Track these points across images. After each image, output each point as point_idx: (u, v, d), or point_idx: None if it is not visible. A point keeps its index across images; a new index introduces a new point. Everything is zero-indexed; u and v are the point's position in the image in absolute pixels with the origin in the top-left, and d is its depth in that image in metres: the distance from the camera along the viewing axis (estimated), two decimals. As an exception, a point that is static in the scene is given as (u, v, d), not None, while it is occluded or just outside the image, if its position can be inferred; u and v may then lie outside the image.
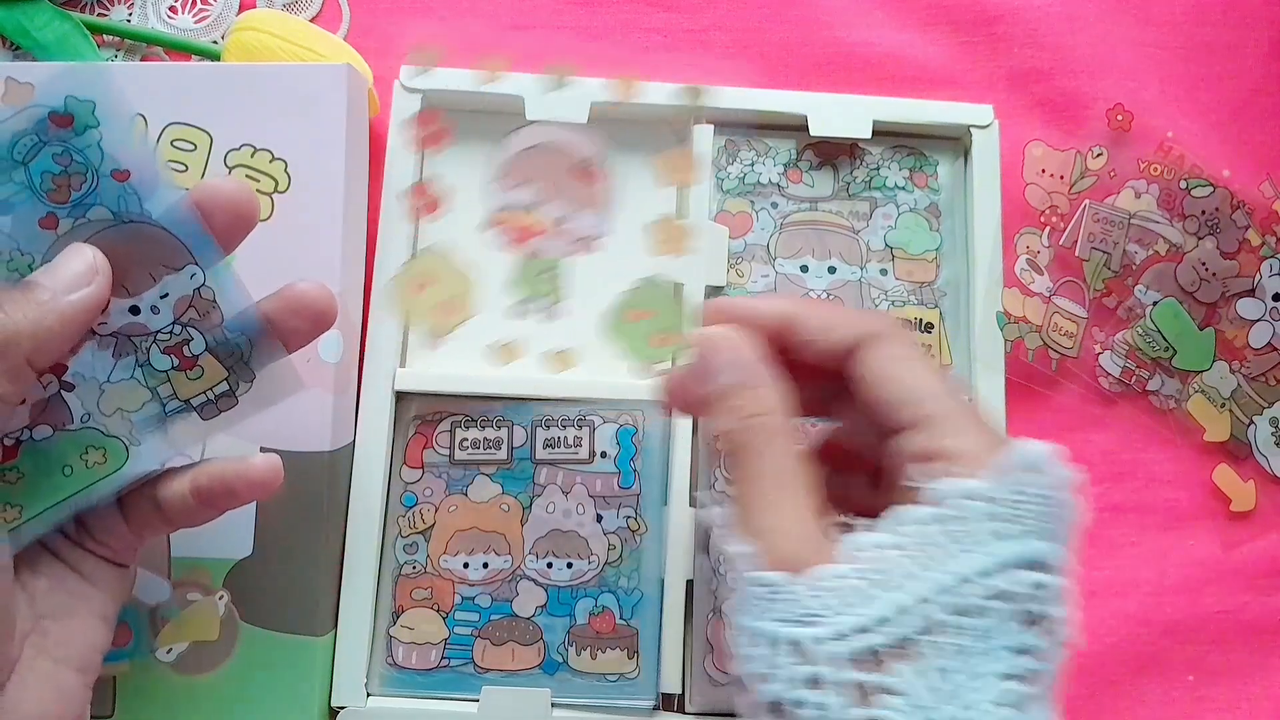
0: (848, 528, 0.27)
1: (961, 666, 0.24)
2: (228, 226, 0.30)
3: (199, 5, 0.48)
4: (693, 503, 0.41)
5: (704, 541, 0.41)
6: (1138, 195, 0.45)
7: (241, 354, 0.30)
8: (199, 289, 0.29)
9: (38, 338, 0.27)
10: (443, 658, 0.40)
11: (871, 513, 0.27)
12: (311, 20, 0.47)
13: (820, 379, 0.31)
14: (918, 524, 0.26)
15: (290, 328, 0.31)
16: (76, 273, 0.27)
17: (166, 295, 0.29)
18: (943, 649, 0.24)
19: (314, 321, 0.31)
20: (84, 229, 0.28)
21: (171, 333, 0.30)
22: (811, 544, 0.26)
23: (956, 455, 0.26)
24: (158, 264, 0.29)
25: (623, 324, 0.34)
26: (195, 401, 0.30)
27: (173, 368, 0.30)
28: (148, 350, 0.30)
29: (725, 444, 0.29)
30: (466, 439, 0.42)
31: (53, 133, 0.28)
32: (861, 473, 0.32)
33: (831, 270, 0.44)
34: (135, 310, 0.29)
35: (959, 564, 0.25)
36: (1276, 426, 0.44)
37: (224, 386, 0.30)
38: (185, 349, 0.30)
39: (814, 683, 0.25)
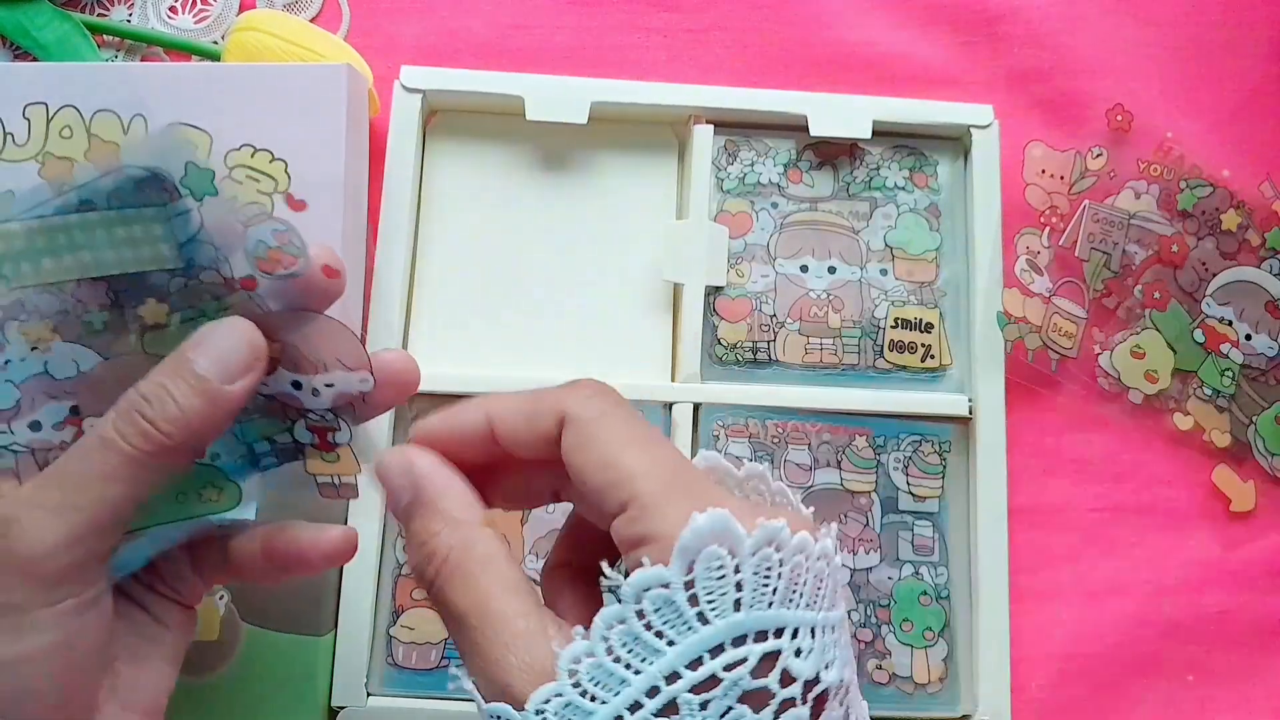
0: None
1: None
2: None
3: (199, 5, 0.48)
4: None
5: None
6: (1137, 195, 0.45)
7: (341, 425, 0.30)
8: (364, 394, 0.29)
9: (192, 428, 0.26)
10: (443, 657, 0.40)
11: None
12: (311, 20, 0.47)
13: (546, 468, 0.29)
14: (619, 624, 0.24)
15: (376, 398, 0.29)
16: (243, 359, 0.26)
17: (331, 385, 0.28)
18: None
19: (399, 391, 0.30)
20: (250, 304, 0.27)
21: (324, 417, 0.29)
22: (529, 668, 0.24)
23: (663, 538, 0.24)
24: (332, 355, 0.28)
25: None
26: (320, 479, 0.30)
27: (312, 444, 0.29)
28: (293, 421, 0.29)
29: (417, 574, 0.27)
30: (466, 439, 0.42)
31: (147, 195, 0.26)
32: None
33: (831, 270, 0.44)
34: (298, 385, 0.28)
35: (664, 660, 0.23)
36: (1276, 426, 0.44)
37: (352, 479, 0.30)
38: (330, 435, 0.29)
39: None
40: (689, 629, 0.23)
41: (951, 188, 0.46)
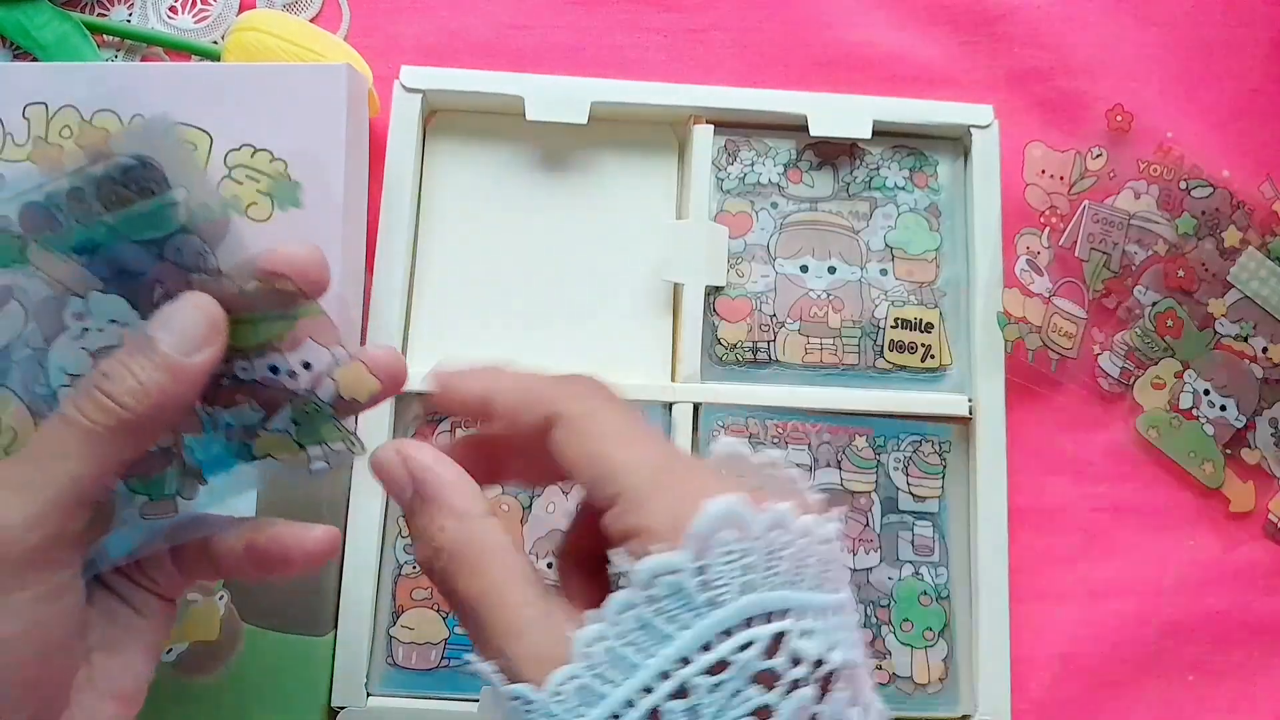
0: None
1: None
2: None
3: (199, 5, 0.48)
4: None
5: None
6: (1137, 196, 0.45)
7: (329, 417, 0.29)
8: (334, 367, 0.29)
9: (152, 401, 0.26)
10: (443, 658, 0.40)
11: None
12: (311, 20, 0.47)
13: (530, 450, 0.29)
14: (629, 609, 0.24)
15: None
16: (202, 332, 0.26)
17: (310, 366, 0.28)
18: None
19: (388, 386, 0.30)
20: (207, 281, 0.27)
21: (311, 407, 0.29)
22: (536, 654, 0.25)
23: (652, 530, 0.24)
24: (305, 333, 0.28)
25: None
26: (315, 462, 0.30)
27: (293, 432, 0.29)
28: (279, 410, 0.29)
29: (425, 567, 0.27)
30: (466, 439, 0.42)
31: (137, 183, 0.26)
32: None
33: (831, 270, 0.44)
34: (275, 369, 0.28)
35: (676, 644, 0.24)
36: (1276, 427, 0.44)
37: (342, 447, 0.30)
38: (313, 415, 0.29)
39: None
40: (698, 614, 0.24)
41: (951, 188, 0.46)
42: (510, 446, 0.30)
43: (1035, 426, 0.44)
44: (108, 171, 0.26)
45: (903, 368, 0.44)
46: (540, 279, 0.44)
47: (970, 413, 0.43)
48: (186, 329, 0.26)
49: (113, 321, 0.28)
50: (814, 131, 0.45)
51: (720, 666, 0.24)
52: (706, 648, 0.24)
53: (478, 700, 0.39)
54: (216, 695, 0.38)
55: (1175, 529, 0.44)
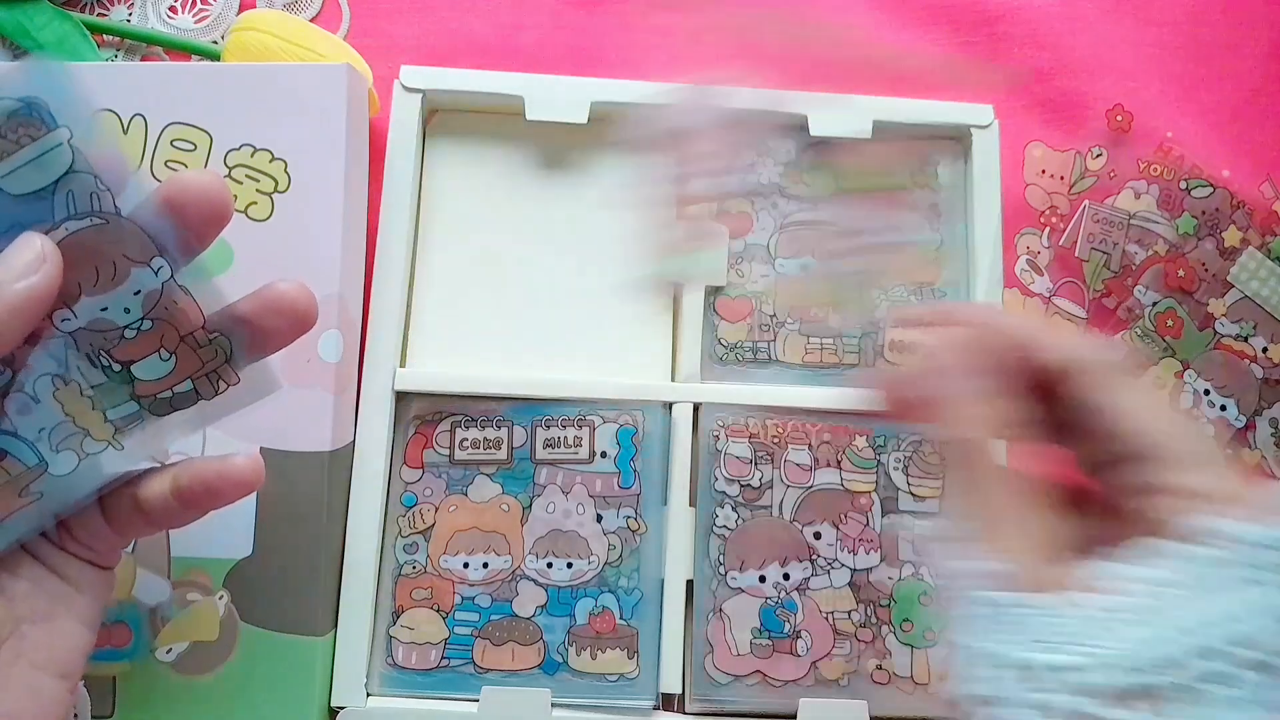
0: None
1: (1228, 718, 0.22)
2: (201, 221, 0.29)
3: (199, 5, 0.48)
4: (692, 502, 0.41)
5: (704, 546, 0.41)
6: (1137, 196, 0.45)
7: (224, 353, 0.30)
8: (167, 283, 0.29)
9: None
10: (443, 658, 0.40)
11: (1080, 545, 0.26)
12: (311, 20, 0.47)
13: (1039, 399, 0.30)
14: (1187, 561, 0.24)
15: (270, 328, 0.30)
16: (25, 261, 0.26)
17: (139, 292, 0.29)
18: (1212, 698, 0.22)
19: (295, 322, 0.31)
20: (52, 227, 0.28)
21: (140, 328, 0.29)
22: (1057, 565, 0.25)
23: (1206, 493, 0.25)
24: (124, 259, 0.28)
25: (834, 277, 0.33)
26: (172, 397, 0.30)
27: (145, 362, 0.29)
28: (115, 346, 0.29)
29: (952, 453, 0.28)
30: (466, 439, 0.42)
31: (18, 131, 0.27)
32: (1070, 503, 0.30)
33: (831, 270, 0.45)
34: (105, 309, 0.29)
35: (1234, 607, 0.23)
36: (1276, 427, 0.44)
37: (202, 383, 0.30)
38: (160, 345, 0.29)
39: (1078, 714, 0.23)
40: (1254, 586, 0.23)
41: (951, 188, 0.46)
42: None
43: (1035, 426, 0.44)
44: None
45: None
46: (540, 279, 0.44)
47: (970, 413, 0.43)
48: (12, 260, 0.27)
49: None
50: (814, 131, 0.45)
51: (1265, 645, 0.23)
52: (1263, 620, 0.23)
53: (477, 700, 0.39)
54: (216, 695, 0.38)
55: (1175, 529, 0.44)
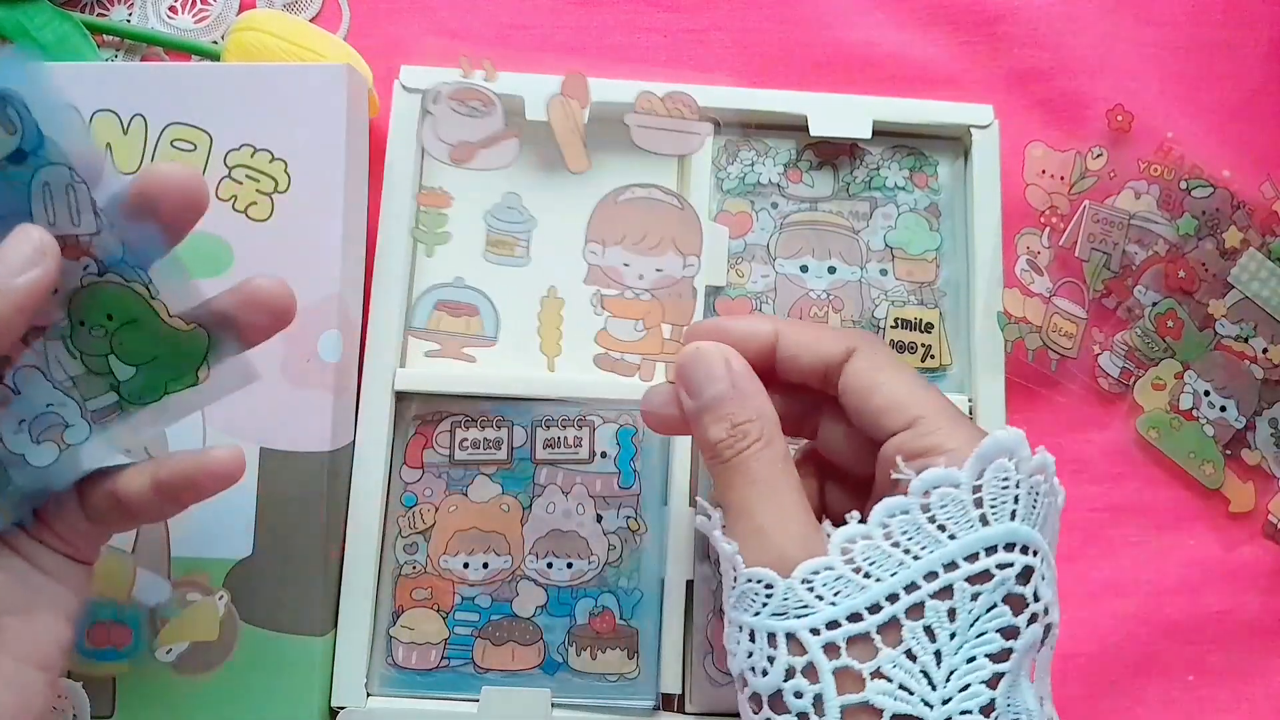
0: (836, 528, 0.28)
1: (949, 648, 0.26)
2: (176, 213, 0.29)
3: (199, 5, 0.48)
4: (693, 503, 0.41)
5: (703, 547, 0.41)
6: (1138, 196, 0.45)
7: (201, 346, 0.30)
8: (128, 278, 0.29)
9: None
10: (443, 658, 0.40)
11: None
12: (311, 20, 0.47)
13: (797, 395, 0.33)
14: (902, 514, 0.27)
15: (248, 322, 0.31)
16: (25, 255, 0.27)
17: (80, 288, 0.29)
18: (931, 633, 0.26)
19: (273, 317, 0.31)
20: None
21: (119, 323, 0.29)
22: (803, 541, 0.28)
23: (944, 450, 0.27)
24: (64, 220, 0.28)
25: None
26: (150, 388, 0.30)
27: (122, 354, 0.29)
28: (91, 338, 0.29)
29: (715, 453, 0.30)
30: (466, 439, 0.42)
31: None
32: (840, 484, 0.34)
33: (831, 270, 0.44)
34: (90, 269, 0.29)
35: (945, 550, 0.26)
36: (1276, 427, 0.44)
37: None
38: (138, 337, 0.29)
39: (809, 671, 0.26)
40: (971, 526, 0.26)
41: (951, 188, 0.46)
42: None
43: (1035, 427, 0.44)
44: None
45: (903, 368, 0.44)
46: (540, 278, 0.44)
47: (970, 412, 0.43)
48: (11, 255, 0.27)
49: None
50: (814, 131, 0.45)
51: (983, 578, 0.26)
52: (973, 558, 0.26)
53: (477, 700, 0.39)
54: (216, 695, 0.38)
55: (1175, 529, 0.44)
